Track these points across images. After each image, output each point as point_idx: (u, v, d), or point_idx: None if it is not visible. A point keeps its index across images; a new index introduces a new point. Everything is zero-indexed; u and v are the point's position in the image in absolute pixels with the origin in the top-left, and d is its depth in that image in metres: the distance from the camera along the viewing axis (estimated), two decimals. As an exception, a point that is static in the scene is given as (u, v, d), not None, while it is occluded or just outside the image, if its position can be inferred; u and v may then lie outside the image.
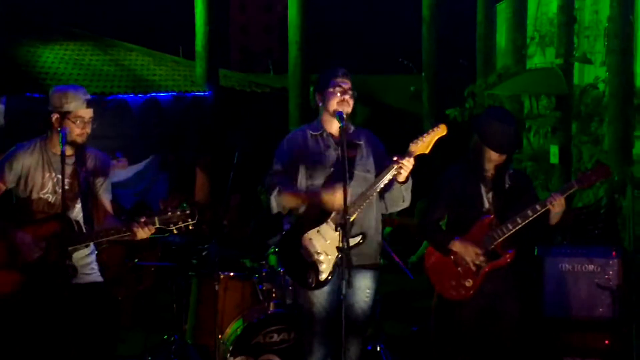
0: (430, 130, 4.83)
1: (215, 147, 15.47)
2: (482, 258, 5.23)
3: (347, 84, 5.02)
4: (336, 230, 4.82)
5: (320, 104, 5.10)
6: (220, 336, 6.33)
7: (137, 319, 8.29)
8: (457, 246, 5.30)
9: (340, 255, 4.73)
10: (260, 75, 25.10)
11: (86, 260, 4.96)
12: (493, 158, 5.28)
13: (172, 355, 6.66)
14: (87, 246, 4.88)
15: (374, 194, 4.93)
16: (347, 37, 49.90)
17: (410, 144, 4.81)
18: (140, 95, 16.68)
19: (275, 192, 4.99)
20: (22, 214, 4.84)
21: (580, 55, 12.79)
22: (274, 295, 6.39)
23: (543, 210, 5.15)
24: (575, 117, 12.44)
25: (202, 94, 16.88)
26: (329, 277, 4.92)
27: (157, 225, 4.63)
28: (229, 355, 6.12)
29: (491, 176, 5.34)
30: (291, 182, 5.03)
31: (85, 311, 4.81)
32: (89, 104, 4.84)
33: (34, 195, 4.84)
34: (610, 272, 6.75)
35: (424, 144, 4.80)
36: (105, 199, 5.00)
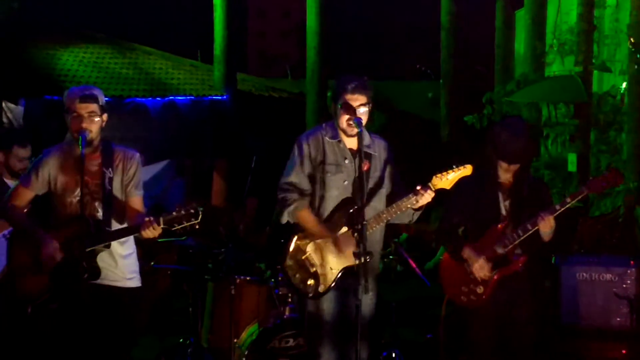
0: (456, 167, 4.87)
1: (233, 151, 15.50)
2: (487, 273, 5.22)
3: (357, 101, 4.89)
4: (346, 244, 4.85)
5: (334, 115, 5.05)
6: (235, 340, 6.34)
7: (152, 322, 8.30)
8: (467, 254, 5.30)
9: (345, 268, 4.82)
10: (278, 80, 25.11)
11: (125, 262, 4.97)
12: (504, 167, 5.28)
13: (188, 358, 6.66)
14: (107, 247, 4.84)
15: (388, 218, 4.95)
16: (365, 42, 49.87)
17: (434, 177, 4.85)
18: (158, 98, 16.72)
19: (291, 209, 4.98)
20: (58, 218, 4.87)
21: (599, 63, 12.71)
22: (289, 300, 6.39)
23: (534, 229, 5.13)
24: (594, 125, 12.37)
25: (219, 97, 16.91)
26: (328, 290, 4.94)
27: (162, 225, 4.62)
28: (244, 359, 6.12)
29: (509, 184, 5.33)
30: (306, 200, 5.00)
31: (112, 314, 4.83)
32: (84, 99, 4.75)
33: (67, 199, 4.86)
34: (628, 282, 6.73)
35: (447, 180, 4.86)
36: (136, 196, 4.97)
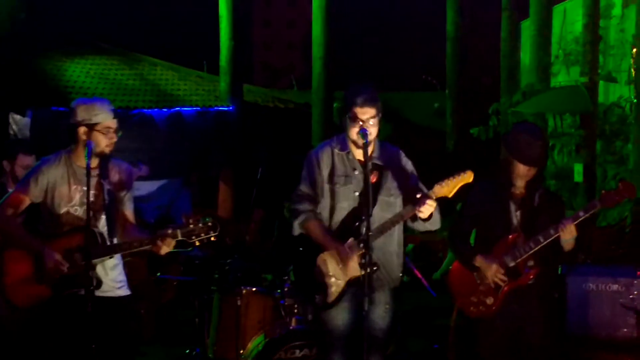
0: (457, 175, 4.82)
1: (239, 161, 15.52)
2: (502, 277, 5.19)
3: (366, 114, 4.87)
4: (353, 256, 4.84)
5: (343, 126, 5.03)
6: (241, 351, 6.33)
7: (158, 332, 8.31)
8: (479, 261, 5.27)
9: (352, 279, 4.81)
10: (284, 91, 25.16)
11: (114, 273, 4.98)
12: (521, 172, 5.23)
13: (194, 369, 6.66)
14: (111, 258, 4.90)
15: (395, 225, 4.93)
16: (371, 53, 49.95)
17: (436, 185, 4.81)
18: (164, 109, 16.75)
19: (300, 220, 4.99)
20: (50, 228, 4.87)
21: (605, 73, 12.72)
22: (295, 311, 6.38)
23: (556, 235, 5.10)
24: (600, 135, 12.37)
25: (225, 108, 16.94)
26: (336, 301, 4.92)
27: (180, 238, 4.62)
28: (250, 370, 6.11)
29: (520, 194, 5.30)
30: (316, 210, 5.00)
31: (108, 324, 4.83)
32: (115, 114, 4.91)
33: (62, 209, 4.87)
34: (635, 292, 6.70)
35: (448, 188, 4.80)
36: (129, 209, 5.02)
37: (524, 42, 17.58)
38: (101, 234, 4.82)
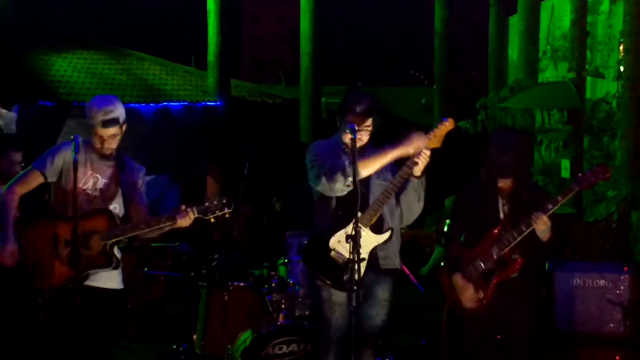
0: (440, 124, 4.99)
1: (226, 157, 15.49)
2: (474, 303, 5.24)
3: (361, 124, 4.97)
4: (364, 228, 4.88)
5: (338, 125, 5.11)
6: (229, 346, 6.33)
7: (145, 328, 8.29)
8: (458, 280, 5.35)
9: (372, 252, 4.91)
10: (272, 86, 25.13)
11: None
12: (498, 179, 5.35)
13: (181, 365, 6.64)
14: (127, 239, 5.01)
15: (395, 189, 4.97)
16: (359, 49, 49.97)
17: (414, 135, 4.96)
18: (152, 104, 16.73)
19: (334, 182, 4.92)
20: (62, 209, 4.95)
21: (592, 69, 12.73)
22: (283, 306, 6.38)
23: (529, 230, 5.14)
24: (587, 131, 12.39)
25: (213, 103, 16.92)
26: (364, 276, 4.85)
27: (196, 215, 4.89)
28: (237, 366, 6.11)
29: (508, 188, 5.36)
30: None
31: (97, 316, 4.93)
32: (107, 123, 4.94)
33: (76, 191, 4.89)
34: (622, 288, 6.73)
35: (435, 139, 4.96)
36: (142, 205, 5.14)
37: (511, 38, 17.60)
38: (118, 216, 4.97)
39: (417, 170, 4.97)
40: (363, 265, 4.86)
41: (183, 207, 4.88)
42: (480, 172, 5.46)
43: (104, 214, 4.91)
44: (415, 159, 4.92)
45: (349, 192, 4.91)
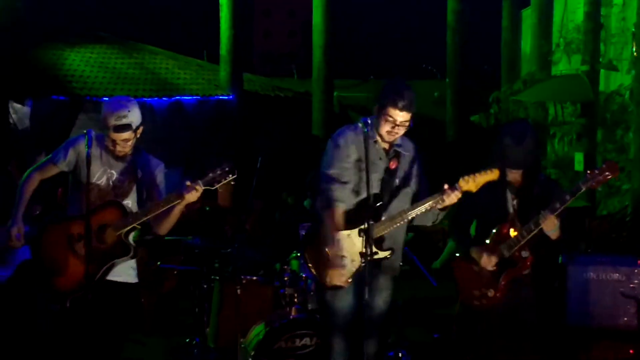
0: (484, 171, 4.93)
1: (239, 151, 15.51)
2: (493, 264, 5.22)
3: (403, 117, 4.94)
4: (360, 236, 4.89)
5: (375, 116, 5.06)
6: (241, 340, 6.34)
7: (159, 322, 8.31)
8: (474, 253, 5.33)
9: (364, 262, 4.78)
10: (284, 80, 25.12)
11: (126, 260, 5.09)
12: (510, 171, 5.30)
13: (194, 358, 6.66)
14: (140, 226, 5.02)
15: (412, 215, 4.99)
16: (371, 42, 49.89)
17: (461, 179, 4.91)
18: (164, 98, 16.75)
19: (332, 196, 4.98)
20: (78, 201, 4.98)
21: (606, 62, 12.68)
22: (295, 300, 6.39)
23: (537, 229, 5.12)
24: (601, 124, 12.34)
25: (226, 97, 16.92)
26: (348, 281, 4.95)
27: (203, 187, 4.88)
28: (250, 359, 6.12)
29: (517, 183, 5.33)
30: (347, 194, 5.00)
31: (112, 309, 4.97)
32: (119, 129, 4.93)
33: (90, 183, 4.95)
34: (636, 281, 6.70)
35: (473, 183, 4.91)
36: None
37: (524, 31, 17.54)
38: (127, 206, 5.01)
39: (442, 205, 4.97)
40: (354, 268, 4.93)
41: (188, 182, 4.88)
42: (490, 165, 5.41)
43: (113, 205, 4.93)
44: (444, 196, 4.90)
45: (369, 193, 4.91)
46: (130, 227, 4.91)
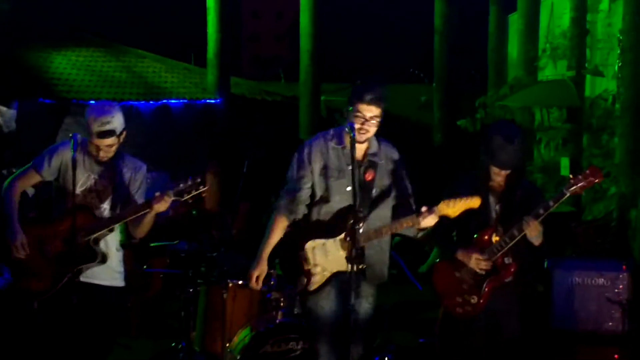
0: (465, 198, 4.85)
1: (226, 154, 15.48)
2: (484, 263, 5.20)
3: (371, 112, 4.86)
4: (342, 250, 4.87)
5: (346, 118, 5.02)
6: (228, 344, 6.33)
7: (144, 326, 8.29)
8: (460, 255, 5.29)
9: (338, 272, 4.87)
10: (271, 83, 25.07)
11: (115, 262, 5.16)
12: (496, 171, 5.26)
13: (180, 362, 6.64)
14: (111, 232, 5.03)
15: (388, 235, 5.00)
16: (359, 46, 49.90)
17: (441, 203, 4.84)
18: (151, 102, 16.71)
19: (280, 205, 5.06)
20: (59, 210, 5.03)
21: (592, 67, 12.73)
22: (282, 304, 6.38)
23: (521, 235, 5.11)
24: (587, 129, 12.39)
25: (213, 101, 16.91)
26: (317, 290, 4.99)
27: (172, 198, 4.89)
28: (236, 363, 6.11)
29: (500, 187, 5.31)
30: (295, 208, 5.02)
31: (98, 313, 5.01)
32: (102, 135, 4.94)
33: (74, 191, 4.96)
34: (620, 286, 6.73)
35: (453, 208, 4.84)
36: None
37: (511, 36, 17.59)
38: (103, 213, 5.06)
39: (420, 227, 4.89)
40: (324, 278, 4.96)
41: (158, 193, 4.89)
42: (475, 167, 5.40)
43: (83, 210, 4.93)
44: (420, 218, 4.83)
45: (342, 203, 4.93)
46: (98, 233, 4.93)
